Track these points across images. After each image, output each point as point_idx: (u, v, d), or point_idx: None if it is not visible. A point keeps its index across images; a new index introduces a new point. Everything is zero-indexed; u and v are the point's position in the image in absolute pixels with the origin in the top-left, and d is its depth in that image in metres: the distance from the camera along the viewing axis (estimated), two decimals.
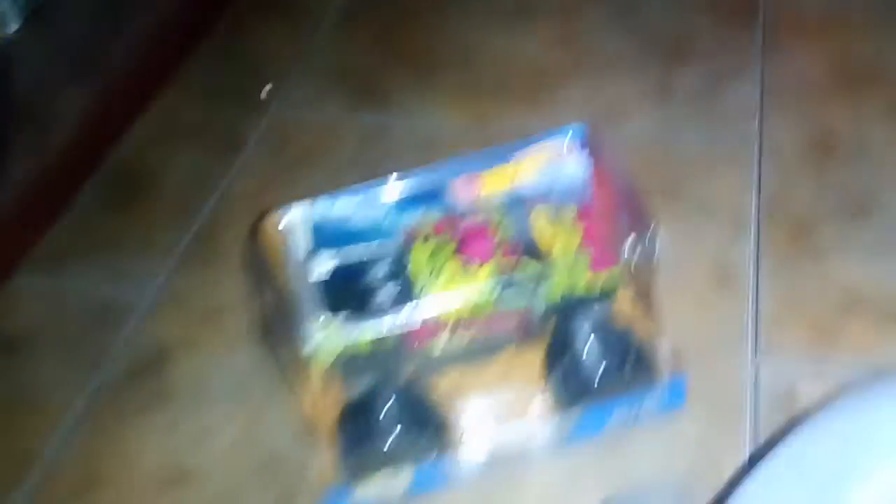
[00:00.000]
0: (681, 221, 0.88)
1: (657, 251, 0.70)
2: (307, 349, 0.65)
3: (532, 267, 0.68)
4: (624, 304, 0.73)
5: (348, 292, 0.67)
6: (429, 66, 1.14)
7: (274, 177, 1.01)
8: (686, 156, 0.98)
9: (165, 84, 1.12)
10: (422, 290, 0.67)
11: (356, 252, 0.69)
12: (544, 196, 0.72)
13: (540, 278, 0.68)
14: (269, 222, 0.71)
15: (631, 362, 0.72)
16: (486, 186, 0.72)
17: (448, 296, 0.67)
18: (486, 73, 1.13)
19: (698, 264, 0.87)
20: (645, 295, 0.74)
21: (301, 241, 0.69)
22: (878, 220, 0.90)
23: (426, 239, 0.70)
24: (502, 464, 0.73)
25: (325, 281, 0.68)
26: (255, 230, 0.72)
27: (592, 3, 1.20)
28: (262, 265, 0.71)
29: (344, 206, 0.71)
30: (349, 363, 0.67)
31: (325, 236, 0.70)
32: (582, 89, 1.08)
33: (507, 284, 0.68)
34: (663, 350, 0.74)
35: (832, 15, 1.13)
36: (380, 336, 0.66)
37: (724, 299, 0.84)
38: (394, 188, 0.73)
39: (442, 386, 0.73)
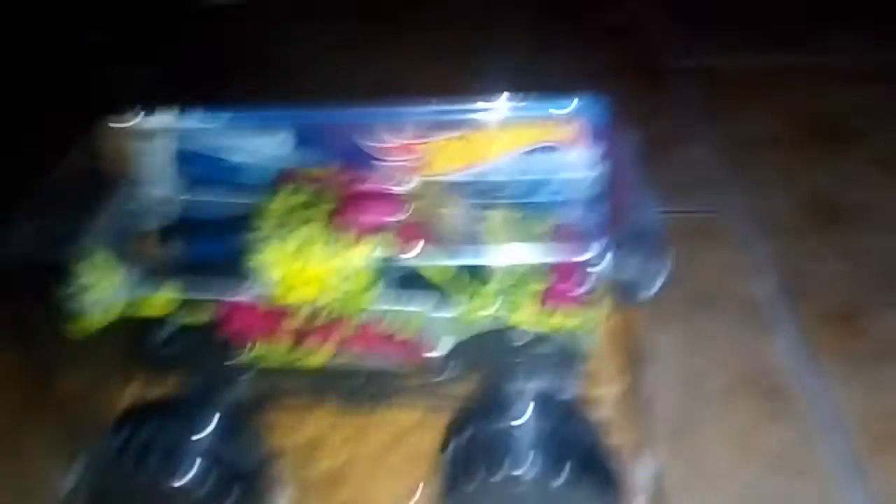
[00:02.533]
0: (678, 323, 0.66)
1: (657, 284, 0.43)
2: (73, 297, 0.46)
3: (440, 267, 0.45)
4: (593, 377, 0.52)
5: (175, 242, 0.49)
6: None
7: None
8: None
9: None
10: (259, 252, 0.45)
11: (216, 195, 0.51)
12: (519, 194, 0.50)
13: (454, 286, 0.46)
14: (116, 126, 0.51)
15: (588, 478, 0.45)
16: (434, 160, 0.50)
17: (295, 272, 0.45)
18: None
19: (730, 385, 0.63)
20: (632, 367, 0.51)
21: (156, 162, 0.51)
22: None
23: (296, 189, 0.49)
24: None
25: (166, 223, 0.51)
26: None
27: None
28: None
29: (226, 134, 0.51)
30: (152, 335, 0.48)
31: (190, 165, 0.52)
32: None
33: (396, 278, 0.45)
34: (641, 476, 0.50)
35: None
36: (180, 303, 0.47)
37: (786, 437, 0.59)
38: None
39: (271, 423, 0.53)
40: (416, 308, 0.45)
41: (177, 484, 0.45)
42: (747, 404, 0.60)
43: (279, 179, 0.49)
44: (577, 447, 0.46)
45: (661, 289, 0.42)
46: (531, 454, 0.45)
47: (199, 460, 0.45)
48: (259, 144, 0.50)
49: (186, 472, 0.45)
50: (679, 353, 0.63)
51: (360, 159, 0.50)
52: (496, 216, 0.49)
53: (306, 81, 0.97)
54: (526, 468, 0.44)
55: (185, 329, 0.47)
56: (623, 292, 0.47)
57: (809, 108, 0.93)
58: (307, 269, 0.44)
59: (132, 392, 0.54)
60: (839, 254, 0.73)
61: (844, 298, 0.69)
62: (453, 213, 0.47)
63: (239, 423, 0.49)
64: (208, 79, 0.97)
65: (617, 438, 0.49)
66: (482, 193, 0.50)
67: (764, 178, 0.84)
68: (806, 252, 0.74)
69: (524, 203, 0.50)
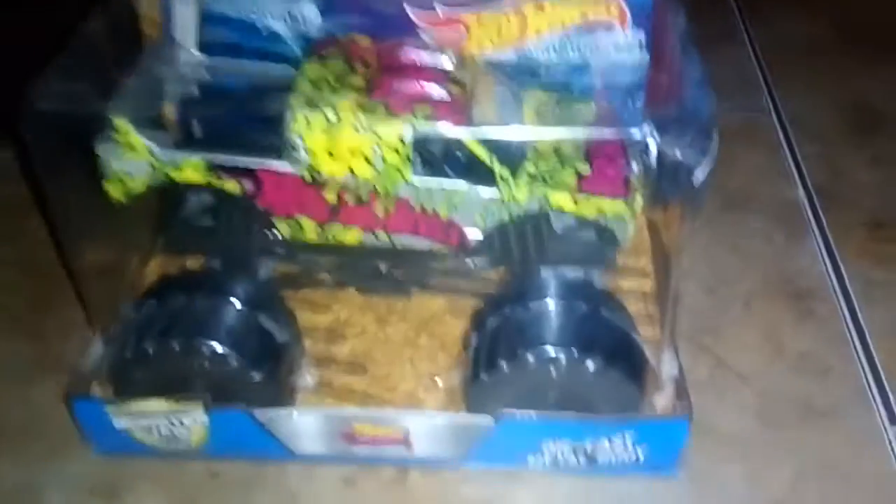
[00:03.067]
0: (711, 223, 0.65)
1: (703, 178, 0.41)
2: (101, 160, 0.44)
3: (478, 146, 0.43)
4: (625, 270, 0.52)
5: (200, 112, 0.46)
6: None
7: None
8: None
9: None
10: (292, 122, 0.42)
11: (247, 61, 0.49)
12: (560, 76, 0.49)
13: (492, 166, 0.43)
14: None
15: (613, 369, 0.44)
16: (475, 36, 0.48)
17: (330, 143, 0.42)
18: None
19: (759, 286, 0.62)
20: (663, 263, 0.50)
21: (183, 25, 0.49)
22: None
23: (332, 57, 0.45)
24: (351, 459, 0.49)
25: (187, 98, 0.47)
26: None
27: None
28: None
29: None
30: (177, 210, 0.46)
31: (219, 28, 0.49)
32: None
33: (432, 155, 0.43)
34: (666, 371, 0.48)
35: None
36: (208, 176, 0.44)
37: (812, 338, 0.59)
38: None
39: (301, 301, 0.51)
40: (453, 187, 0.43)
41: (204, 354, 0.44)
42: (774, 306, 0.60)
43: (314, 47, 0.47)
44: (607, 335, 0.45)
45: (707, 174, 0.40)
46: (562, 338, 0.44)
47: (227, 332, 0.45)
48: (290, 10, 0.48)
49: (214, 344, 0.44)
50: (710, 253, 0.62)
51: (398, 30, 0.47)
52: (536, 97, 0.47)
53: None
54: (557, 351, 0.43)
55: (216, 200, 0.45)
56: (670, 175, 0.45)
57: (858, 13, 0.90)
58: (341, 141, 0.42)
59: (155, 270, 0.54)
60: (877, 162, 0.72)
61: (878, 207, 0.68)
62: (493, 92, 0.46)
63: (268, 299, 0.48)
64: None
65: (645, 332, 0.49)
66: (522, 73, 0.48)
67: (805, 83, 0.81)
68: (843, 159, 0.73)
69: (565, 85, 0.48)
